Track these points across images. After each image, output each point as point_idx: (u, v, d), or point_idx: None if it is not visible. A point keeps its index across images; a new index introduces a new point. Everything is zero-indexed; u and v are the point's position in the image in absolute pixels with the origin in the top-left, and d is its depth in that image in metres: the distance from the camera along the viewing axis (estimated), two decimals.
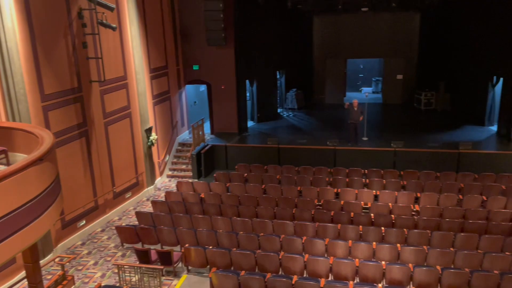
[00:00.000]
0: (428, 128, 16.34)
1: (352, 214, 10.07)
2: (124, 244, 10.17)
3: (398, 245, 8.58)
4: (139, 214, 10.69)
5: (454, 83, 18.52)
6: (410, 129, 16.36)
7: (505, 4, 14.63)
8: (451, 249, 8.50)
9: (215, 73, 16.23)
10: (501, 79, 15.36)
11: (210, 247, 8.85)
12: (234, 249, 8.77)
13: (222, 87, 16.26)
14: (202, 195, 11.61)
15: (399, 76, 20.38)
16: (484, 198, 10.70)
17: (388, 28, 20.20)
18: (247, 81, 17.59)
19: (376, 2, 16.98)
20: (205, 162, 14.60)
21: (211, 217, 10.12)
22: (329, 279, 8.03)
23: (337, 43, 20.92)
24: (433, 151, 13.69)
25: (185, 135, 16.85)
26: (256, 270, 8.41)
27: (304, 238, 9.02)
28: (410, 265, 7.87)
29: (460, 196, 10.88)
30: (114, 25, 11.11)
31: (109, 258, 9.95)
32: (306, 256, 8.27)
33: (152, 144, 13.57)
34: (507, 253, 8.22)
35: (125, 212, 12.54)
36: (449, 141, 14.49)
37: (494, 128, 15.83)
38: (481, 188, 11.24)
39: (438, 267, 7.76)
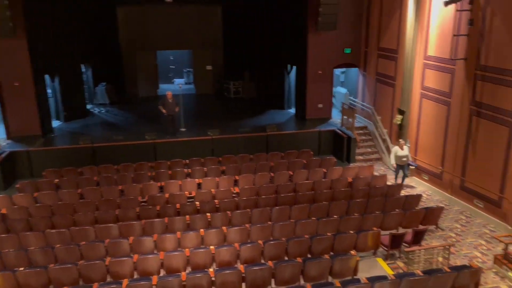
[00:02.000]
0: (239, 115, 17.58)
1: (178, 205, 10.12)
2: None
3: (224, 227, 9.02)
4: None
5: (257, 72, 20.35)
6: (223, 117, 17.35)
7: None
8: (269, 222, 9.37)
9: (5, 69, 13.99)
10: (294, 67, 17.54)
11: (21, 269, 7.70)
12: (52, 265, 7.83)
13: (16, 84, 14.16)
14: (4, 211, 10.00)
15: (209, 67, 21.27)
16: (291, 173, 12.13)
17: (194, 20, 20.79)
18: (47, 76, 15.76)
19: None
20: (3, 173, 12.57)
21: (19, 234, 8.80)
22: (161, 274, 7.93)
23: (145, 35, 20.52)
24: (245, 136, 14.78)
25: None
26: (81, 283, 7.72)
27: (131, 238, 8.67)
28: (236, 244, 8.36)
29: (272, 174, 12.09)
30: None
31: None
32: (136, 256, 7.97)
33: None
34: (313, 218, 9.53)
35: None
36: (258, 125, 15.89)
37: (292, 110, 18.04)
38: (288, 164, 12.70)
39: (260, 241, 8.46)
